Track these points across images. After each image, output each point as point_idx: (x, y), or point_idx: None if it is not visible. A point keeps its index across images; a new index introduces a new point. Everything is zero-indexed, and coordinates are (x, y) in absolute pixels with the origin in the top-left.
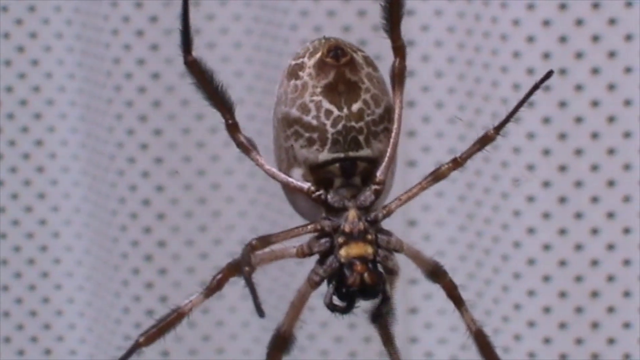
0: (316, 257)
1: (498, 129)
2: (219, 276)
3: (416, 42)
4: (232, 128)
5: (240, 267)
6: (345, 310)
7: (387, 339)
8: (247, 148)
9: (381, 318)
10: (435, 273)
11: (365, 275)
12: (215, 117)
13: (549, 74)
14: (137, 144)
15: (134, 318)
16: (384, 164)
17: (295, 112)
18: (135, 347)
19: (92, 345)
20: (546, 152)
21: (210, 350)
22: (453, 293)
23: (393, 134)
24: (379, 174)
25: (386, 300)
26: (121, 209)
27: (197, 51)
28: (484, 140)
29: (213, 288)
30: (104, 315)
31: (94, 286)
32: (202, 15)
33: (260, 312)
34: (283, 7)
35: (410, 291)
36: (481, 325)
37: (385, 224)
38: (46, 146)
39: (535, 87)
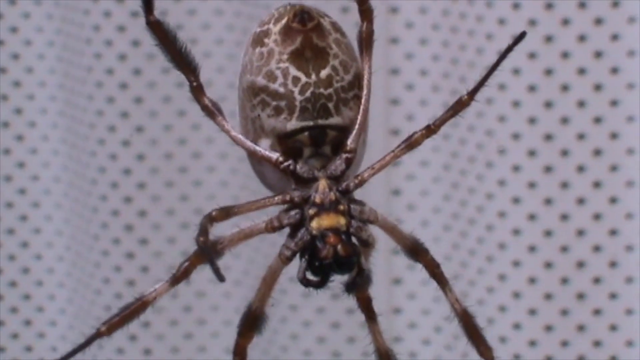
0: (286, 231)
1: (472, 94)
2: (186, 264)
3: (400, 8)
4: (197, 90)
5: (196, 237)
6: (320, 284)
7: (366, 308)
8: (212, 112)
9: (356, 289)
10: (415, 250)
11: (339, 247)
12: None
13: (521, 36)
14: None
15: (114, 288)
16: (354, 131)
17: (261, 80)
18: (97, 336)
19: (71, 315)
20: (532, 121)
21: (191, 321)
22: (435, 272)
23: (363, 100)
24: (350, 142)
25: (361, 272)
26: (101, 178)
27: (177, 19)
28: (458, 106)
29: (179, 276)
30: (83, 286)
31: (73, 256)
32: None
33: (220, 277)
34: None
35: (393, 261)
36: (466, 305)
37: (369, 194)
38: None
39: (508, 49)
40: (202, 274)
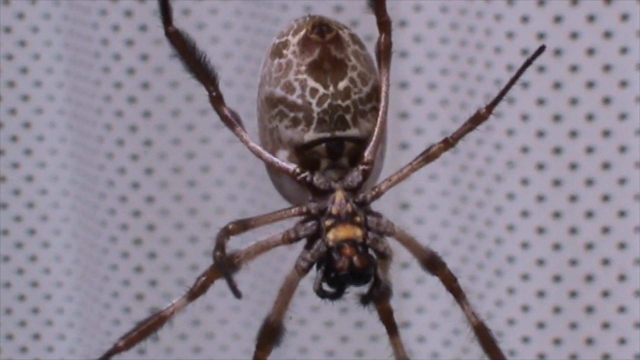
0: (303, 243)
1: (490, 108)
2: (203, 278)
3: (408, 22)
4: (216, 100)
5: (213, 252)
6: (335, 296)
7: (387, 320)
8: (231, 122)
9: (372, 301)
10: (432, 263)
11: (355, 258)
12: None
13: (540, 50)
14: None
15: (123, 302)
16: (372, 143)
17: (279, 91)
18: (114, 351)
19: (80, 329)
20: (540, 135)
21: (199, 335)
22: (452, 285)
23: (380, 112)
24: (367, 154)
25: (377, 284)
26: (110, 191)
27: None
28: (476, 120)
29: (196, 291)
30: (92, 299)
31: (82, 270)
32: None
33: (237, 294)
34: None
35: (403, 275)
36: (482, 318)
37: (377, 208)
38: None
39: (527, 63)
40: (211, 287)
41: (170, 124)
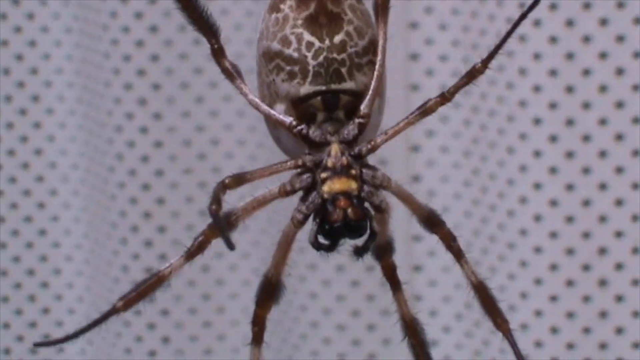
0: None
1: (486, 62)
2: (200, 238)
3: None
4: (218, 53)
5: (209, 206)
6: (330, 248)
7: (390, 276)
8: (231, 74)
9: (366, 253)
10: (431, 221)
11: (349, 210)
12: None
13: (535, 3)
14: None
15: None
16: (368, 97)
17: (276, 45)
18: (113, 312)
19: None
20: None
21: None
22: (452, 244)
23: (377, 66)
24: (363, 107)
25: (373, 237)
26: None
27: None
28: (472, 74)
29: (194, 251)
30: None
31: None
32: None
33: (230, 246)
34: None
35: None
36: (482, 277)
37: (386, 151)
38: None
39: (522, 16)
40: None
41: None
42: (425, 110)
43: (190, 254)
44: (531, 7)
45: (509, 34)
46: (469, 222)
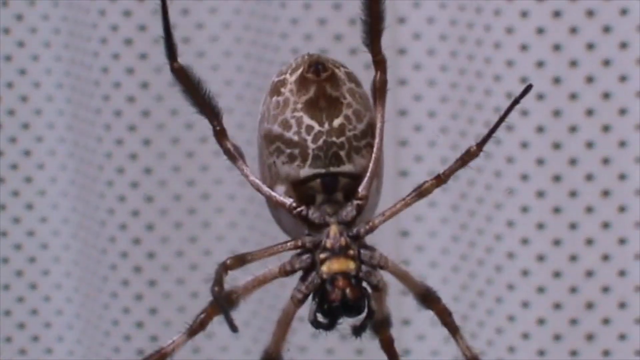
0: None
1: (480, 145)
2: (202, 316)
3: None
4: (220, 134)
5: (212, 287)
6: (329, 326)
7: (389, 349)
8: (233, 156)
9: (364, 332)
10: (427, 298)
11: (347, 290)
12: (204, 126)
13: (527, 89)
14: (126, 153)
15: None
16: (365, 179)
17: (277, 128)
18: None
19: (80, 357)
20: (540, 162)
21: None
22: (447, 320)
23: (375, 149)
24: (361, 189)
25: (371, 316)
26: (110, 219)
27: (186, 59)
28: (467, 157)
29: (196, 328)
30: (92, 327)
31: (82, 298)
32: (192, 24)
33: (234, 328)
34: (273, 15)
35: (403, 302)
36: (477, 352)
37: (377, 236)
38: (34, 156)
39: (515, 102)
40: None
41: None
42: (421, 192)
43: (193, 331)
44: (524, 93)
45: (502, 118)
46: (459, 306)
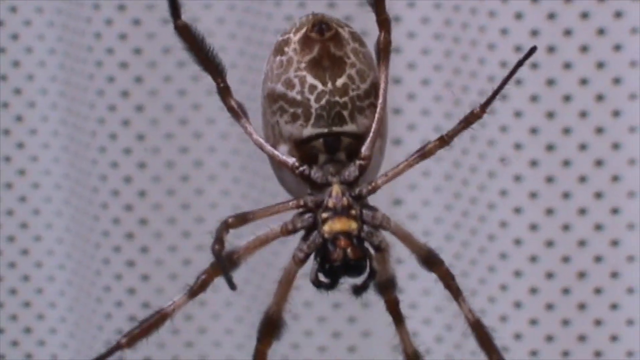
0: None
1: (484, 106)
2: (203, 276)
3: (402, 18)
4: (224, 91)
5: (212, 245)
6: (330, 286)
7: (394, 310)
8: (237, 113)
9: (364, 292)
10: (430, 260)
11: (349, 250)
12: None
13: (532, 50)
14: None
15: (114, 297)
16: (369, 139)
17: (280, 87)
18: (117, 348)
19: (72, 323)
20: (533, 131)
21: (192, 330)
22: (450, 283)
23: (378, 109)
24: (364, 149)
25: (372, 276)
26: (102, 186)
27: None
28: (470, 119)
29: (197, 289)
30: (84, 294)
31: (74, 265)
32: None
33: (232, 286)
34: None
35: (395, 271)
36: (479, 316)
37: (371, 203)
38: (26, 122)
39: (519, 63)
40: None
41: (163, 119)
42: (424, 153)
43: (193, 292)
44: (528, 55)
45: (506, 79)
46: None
